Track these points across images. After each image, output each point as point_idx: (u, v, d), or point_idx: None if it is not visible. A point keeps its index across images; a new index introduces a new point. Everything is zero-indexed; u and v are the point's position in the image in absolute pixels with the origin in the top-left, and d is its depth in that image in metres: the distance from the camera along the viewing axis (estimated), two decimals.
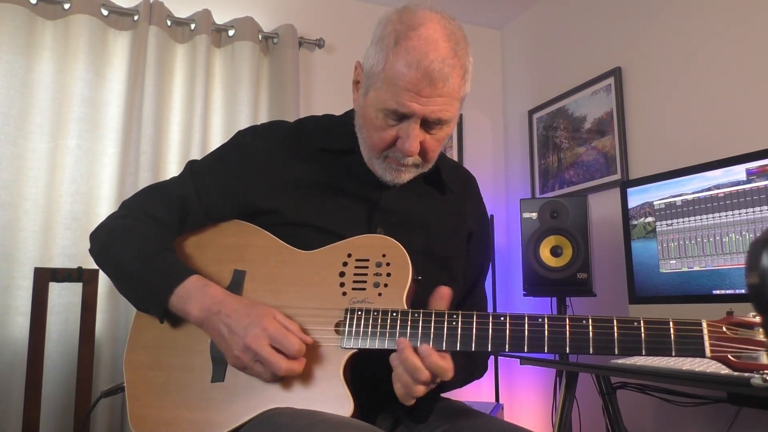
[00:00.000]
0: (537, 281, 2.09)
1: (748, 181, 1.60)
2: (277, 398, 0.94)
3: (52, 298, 2.05)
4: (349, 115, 1.14)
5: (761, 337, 0.81)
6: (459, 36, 0.99)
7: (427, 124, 1.00)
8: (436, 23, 0.97)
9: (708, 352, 0.82)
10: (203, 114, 2.44)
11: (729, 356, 0.81)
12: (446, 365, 0.88)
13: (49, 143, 2.22)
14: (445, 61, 0.95)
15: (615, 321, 0.86)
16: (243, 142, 1.14)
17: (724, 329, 0.83)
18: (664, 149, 2.22)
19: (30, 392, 1.65)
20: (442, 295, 0.95)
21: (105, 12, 2.36)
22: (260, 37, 2.60)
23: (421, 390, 0.89)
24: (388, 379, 0.91)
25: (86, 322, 1.75)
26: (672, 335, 0.84)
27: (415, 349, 0.89)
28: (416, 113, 0.97)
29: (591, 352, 0.86)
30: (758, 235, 1.51)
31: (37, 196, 2.19)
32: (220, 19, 2.56)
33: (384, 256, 0.98)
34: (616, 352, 0.85)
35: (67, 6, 2.29)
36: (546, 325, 0.88)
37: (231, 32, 2.57)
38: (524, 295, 2.14)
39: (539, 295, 2.15)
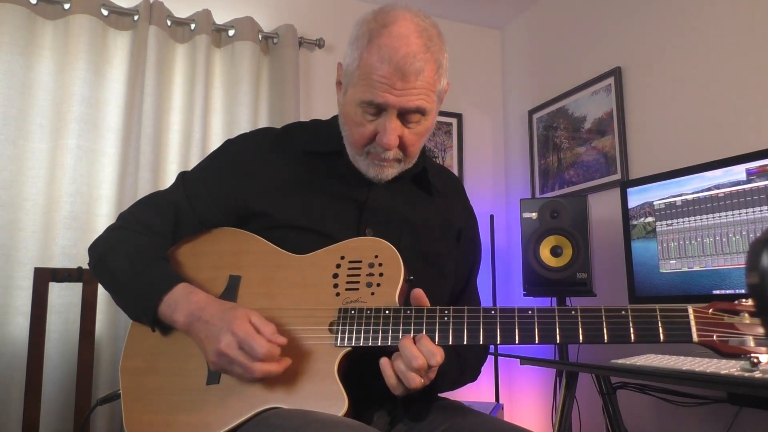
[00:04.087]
0: (537, 281, 2.09)
1: (748, 181, 1.60)
2: (272, 398, 0.94)
3: (52, 298, 2.05)
4: (336, 118, 1.16)
5: (747, 321, 0.82)
6: (432, 33, 1.02)
7: (404, 117, 1.02)
8: (409, 21, 1.00)
9: (695, 338, 0.83)
10: (203, 114, 2.44)
11: (716, 341, 0.82)
12: (435, 350, 0.89)
13: (49, 143, 2.22)
14: (416, 56, 0.98)
15: (603, 310, 0.88)
16: (232, 149, 1.17)
17: (711, 315, 0.83)
18: (664, 149, 2.22)
19: (30, 392, 1.64)
20: (419, 298, 0.95)
21: (105, 12, 2.36)
22: (260, 37, 2.60)
23: (413, 378, 0.88)
24: (384, 377, 0.92)
25: (86, 322, 1.74)
26: (659, 322, 0.85)
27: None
28: (391, 104, 0.99)
29: (581, 341, 0.87)
30: (758, 235, 1.51)
31: (37, 196, 2.18)
32: (220, 19, 2.56)
33: (376, 257, 1.00)
34: (606, 341, 0.86)
35: (67, 6, 2.29)
36: (536, 317, 0.90)
37: (231, 32, 2.57)
38: (524, 295, 2.14)
39: (539, 295, 2.15)
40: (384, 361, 0.91)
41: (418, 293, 0.95)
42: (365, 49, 1.00)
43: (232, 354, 0.91)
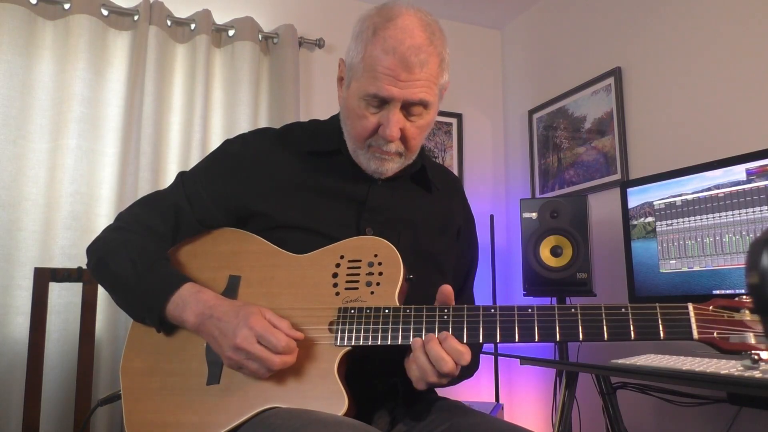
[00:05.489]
0: (537, 281, 2.09)
1: (748, 181, 1.60)
2: (272, 397, 0.95)
3: (52, 298, 2.05)
4: (335, 117, 1.16)
5: (748, 317, 0.82)
6: (435, 28, 1.03)
7: (407, 110, 1.02)
8: (412, 16, 1.02)
9: (695, 335, 0.83)
10: (203, 114, 2.44)
11: (717, 338, 0.81)
12: (463, 348, 0.89)
13: (49, 143, 2.22)
14: (421, 48, 0.98)
15: (603, 308, 0.88)
16: (231, 149, 1.16)
17: (711, 312, 0.83)
18: (664, 149, 2.22)
19: (30, 392, 1.64)
20: (447, 295, 0.95)
21: (105, 12, 2.36)
22: (260, 37, 2.60)
23: (439, 381, 0.90)
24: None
25: (86, 322, 1.74)
26: (659, 319, 0.85)
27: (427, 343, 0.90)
28: (395, 97, 1.00)
29: (581, 339, 0.87)
30: (758, 235, 1.51)
31: (37, 196, 2.18)
32: (220, 19, 2.56)
33: (376, 256, 1.00)
34: (606, 338, 0.87)
35: (67, 6, 2.29)
36: (535, 315, 0.90)
37: (231, 32, 2.57)
38: (524, 295, 2.14)
39: (539, 295, 2.15)
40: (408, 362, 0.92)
41: (447, 291, 0.94)
42: (370, 42, 1.01)
43: (250, 348, 0.91)
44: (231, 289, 1.04)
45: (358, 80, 1.03)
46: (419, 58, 0.98)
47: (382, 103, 1.01)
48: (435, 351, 0.88)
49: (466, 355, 0.89)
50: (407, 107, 1.02)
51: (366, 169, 1.09)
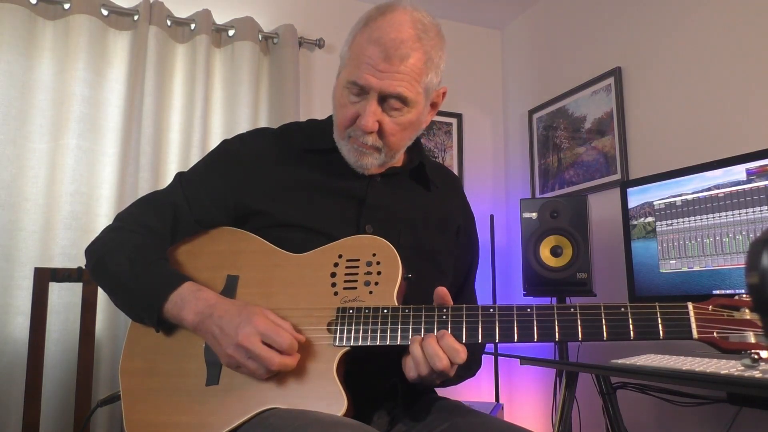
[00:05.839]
0: (537, 281, 2.09)
1: (748, 181, 1.60)
2: (271, 398, 0.94)
3: (52, 298, 2.05)
4: (332, 117, 1.16)
5: (748, 316, 0.81)
6: (430, 28, 1.03)
7: (386, 103, 1.02)
8: (408, 14, 1.02)
9: (695, 334, 0.83)
10: (203, 114, 2.44)
11: (717, 337, 0.81)
12: (460, 347, 0.89)
13: (49, 143, 2.22)
14: (404, 42, 0.99)
15: (602, 307, 0.88)
16: (230, 149, 1.17)
17: (711, 311, 0.83)
18: (664, 149, 2.22)
19: (30, 392, 1.64)
20: (442, 296, 0.95)
21: (105, 12, 2.36)
22: (260, 37, 2.60)
23: (433, 380, 0.91)
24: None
25: (86, 322, 1.74)
26: (659, 319, 0.85)
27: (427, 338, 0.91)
28: (372, 86, 1.00)
29: (580, 339, 0.87)
30: (758, 235, 1.51)
31: (37, 196, 2.18)
32: (220, 19, 2.56)
33: (374, 255, 0.99)
34: (605, 338, 0.86)
35: (67, 6, 2.29)
36: (534, 315, 0.90)
37: (231, 32, 2.57)
38: (524, 295, 2.14)
39: (539, 295, 2.15)
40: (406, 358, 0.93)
41: (442, 292, 0.95)
42: (359, 31, 1.03)
43: (251, 347, 0.90)
44: (229, 289, 1.04)
45: (344, 69, 1.05)
46: (400, 51, 0.99)
47: (362, 92, 1.02)
48: (431, 347, 0.89)
49: (462, 354, 0.89)
50: (385, 100, 1.02)
51: (348, 162, 1.09)
